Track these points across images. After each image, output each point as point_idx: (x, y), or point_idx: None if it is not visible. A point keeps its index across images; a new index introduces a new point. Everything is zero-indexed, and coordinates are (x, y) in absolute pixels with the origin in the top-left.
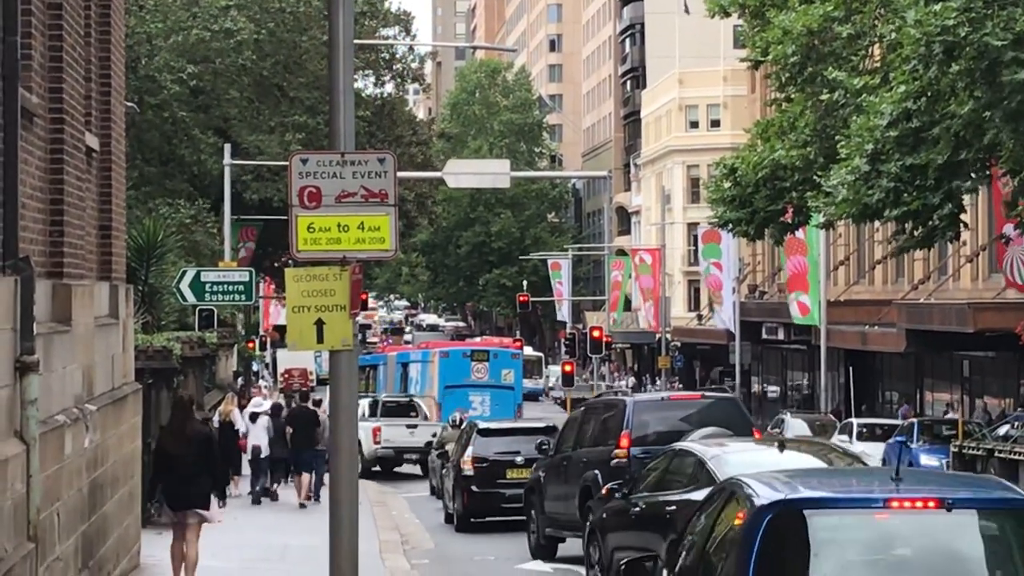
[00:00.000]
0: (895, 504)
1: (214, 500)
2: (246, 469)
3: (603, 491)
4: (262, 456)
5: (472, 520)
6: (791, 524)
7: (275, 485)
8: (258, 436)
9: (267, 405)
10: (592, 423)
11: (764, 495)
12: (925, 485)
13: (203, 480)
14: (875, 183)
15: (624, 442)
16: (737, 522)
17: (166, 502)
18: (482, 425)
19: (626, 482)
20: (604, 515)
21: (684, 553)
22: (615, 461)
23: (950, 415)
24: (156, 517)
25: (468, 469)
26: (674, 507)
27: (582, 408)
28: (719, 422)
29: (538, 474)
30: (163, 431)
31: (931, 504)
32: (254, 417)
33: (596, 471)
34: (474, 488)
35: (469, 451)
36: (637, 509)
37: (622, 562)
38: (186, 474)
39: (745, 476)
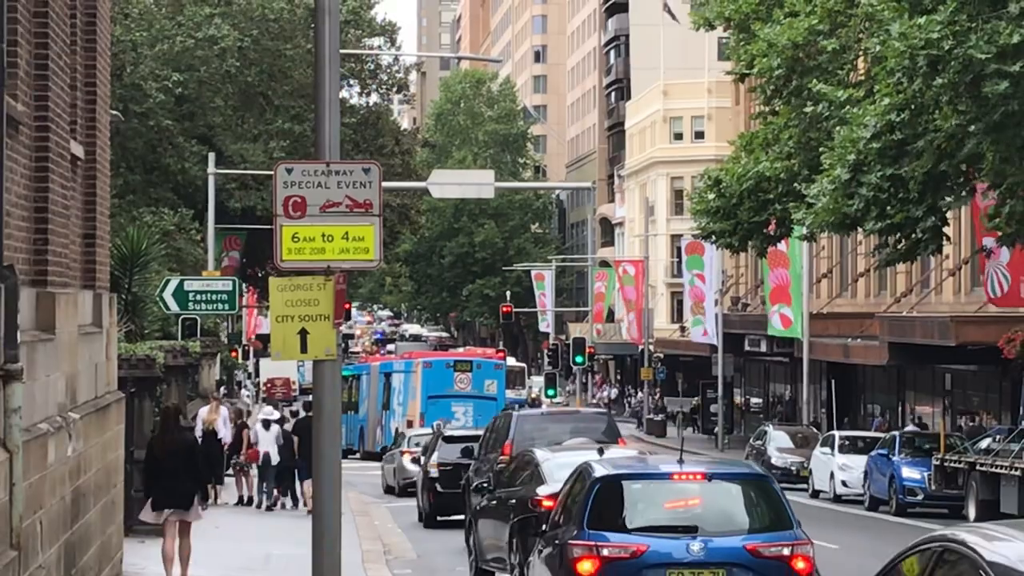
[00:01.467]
0: (676, 476)
1: (197, 502)
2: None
3: (472, 487)
4: (272, 463)
5: (438, 518)
6: (612, 489)
7: (287, 494)
8: (268, 444)
9: (277, 415)
10: (497, 430)
11: (598, 472)
12: (698, 465)
13: (188, 483)
14: (855, 192)
15: (507, 449)
16: (583, 489)
17: (152, 503)
18: (447, 432)
19: (490, 480)
20: (476, 507)
21: (558, 509)
22: (499, 466)
23: (909, 428)
24: (144, 518)
25: (434, 472)
26: (514, 500)
27: (494, 417)
28: (590, 433)
29: (468, 474)
30: (152, 438)
31: (699, 476)
32: (267, 425)
33: (491, 472)
34: (439, 488)
35: (435, 456)
36: (494, 502)
37: (515, 517)
38: (172, 477)
39: (592, 461)
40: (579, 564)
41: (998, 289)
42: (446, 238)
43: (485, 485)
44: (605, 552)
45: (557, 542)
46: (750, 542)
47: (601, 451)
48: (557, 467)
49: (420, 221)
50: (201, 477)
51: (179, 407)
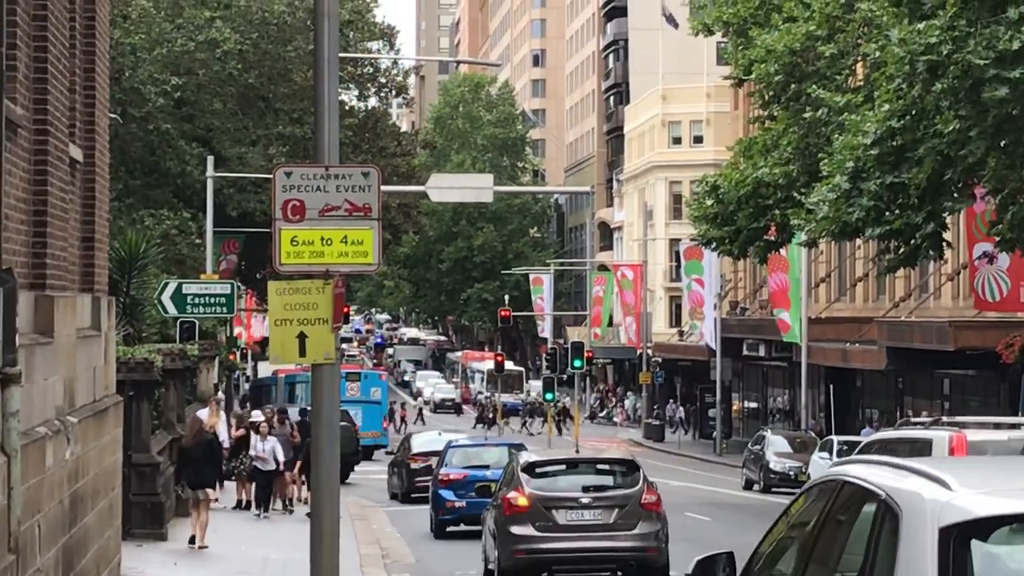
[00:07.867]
0: (484, 445)
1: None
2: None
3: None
4: (263, 470)
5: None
6: (456, 449)
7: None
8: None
9: (263, 418)
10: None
11: (452, 443)
12: (493, 440)
13: (209, 469)
14: (855, 201)
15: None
16: (445, 451)
17: (187, 485)
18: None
19: (400, 445)
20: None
21: (439, 460)
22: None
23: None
24: (182, 494)
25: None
26: (400, 459)
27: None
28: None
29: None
30: (183, 438)
31: (491, 446)
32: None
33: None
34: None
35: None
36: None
37: (396, 465)
38: (198, 465)
39: (453, 439)
40: (442, 483)
41: (997, 294)
42: (444, 242)
43: (392, 450)
44: (451, 477)
45: (432, 474)
46: None
47: (442, 432)
48: (419, 444)
49: (422, 221)
50: (219, 465)
51: (199, 418)
